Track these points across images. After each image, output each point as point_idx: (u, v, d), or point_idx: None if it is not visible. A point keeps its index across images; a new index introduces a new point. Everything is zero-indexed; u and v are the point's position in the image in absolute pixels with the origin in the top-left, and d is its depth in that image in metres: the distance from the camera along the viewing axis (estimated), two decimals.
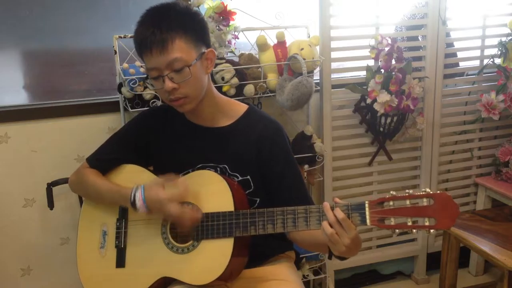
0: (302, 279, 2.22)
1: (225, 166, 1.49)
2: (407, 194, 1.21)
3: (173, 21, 1.34)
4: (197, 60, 1.37)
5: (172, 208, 1.34)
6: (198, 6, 1.91)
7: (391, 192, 1.23)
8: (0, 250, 2.10)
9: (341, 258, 1.30)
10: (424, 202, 1.19)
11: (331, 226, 1.22)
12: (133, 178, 1.53)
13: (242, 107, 1.55)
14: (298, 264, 2.11)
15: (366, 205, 1.23)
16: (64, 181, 1.94)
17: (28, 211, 2.09)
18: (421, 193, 1.19)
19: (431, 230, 1.19)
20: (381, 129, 2.31)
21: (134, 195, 1.38)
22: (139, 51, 1.39)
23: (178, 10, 1.37)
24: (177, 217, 1.36)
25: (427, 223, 1.19)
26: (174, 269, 1.40)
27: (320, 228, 1.27)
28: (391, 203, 1.22)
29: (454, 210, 1.18)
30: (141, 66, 1.88)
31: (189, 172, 1.49)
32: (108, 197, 1.49)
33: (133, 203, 1.38)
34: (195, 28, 1.38)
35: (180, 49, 1.33)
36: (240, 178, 1.48)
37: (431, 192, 1.19)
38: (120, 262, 1.48)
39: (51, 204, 1.99)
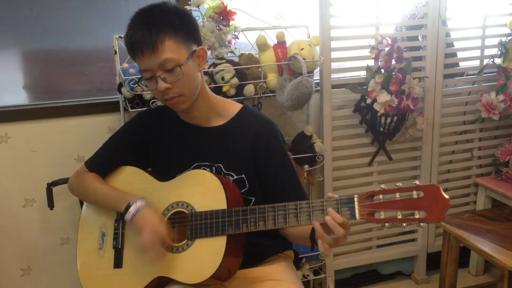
0: (302, 279, 2.22)
1: (220, 165, 1.49)
2: (396, 187, 1.20)
3: (162, 21, 1.34)
4: (188, 59, 1.37)
5: (147, 239, 1.36)
6: (198, 6, 1.91)
7: (381, 185, 1.21)
8: (0, 250, 2.10)
9: None
10: (414, 195, 1.18)
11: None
12: (130, 179, 1.54)
13: (236, 107, 1.55)
14: (298, 264, 2.11)
15: (355, 199, 1.22)
16: (64, 181, 1.95)
17: (28, 211, 2.09)
18: (411, 186, 1.18)
19: (422, 223, 1.17)
20: (381, 129, 2.31)
21: (132, 204, 1.40)
22: (131, 54, 1.40)
23: (166, 10, 1.38)
24: (143, 248, 1.38)
25: (417, 216, 1.17)
26: (169, 269, 1.40)
27: (310, 224, 1.27)
28: (380, 196, 1.20)
29: (444, 202, 1.15)
30: None
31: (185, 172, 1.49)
32: (104, 202, 1.51)
33: (128, 207, 1.41)
34: (184, 27, 1.38)
35: (171, 49, 1.34)
36: (235, 177, 1.49)
37: (420, 185, 1.17)
38: (118, 262, 1.49)
39: (51, 204, 1.99)
